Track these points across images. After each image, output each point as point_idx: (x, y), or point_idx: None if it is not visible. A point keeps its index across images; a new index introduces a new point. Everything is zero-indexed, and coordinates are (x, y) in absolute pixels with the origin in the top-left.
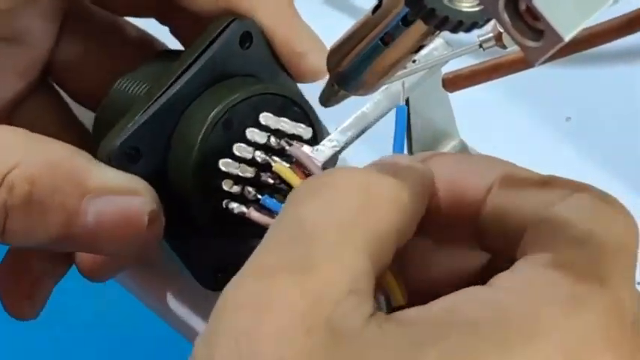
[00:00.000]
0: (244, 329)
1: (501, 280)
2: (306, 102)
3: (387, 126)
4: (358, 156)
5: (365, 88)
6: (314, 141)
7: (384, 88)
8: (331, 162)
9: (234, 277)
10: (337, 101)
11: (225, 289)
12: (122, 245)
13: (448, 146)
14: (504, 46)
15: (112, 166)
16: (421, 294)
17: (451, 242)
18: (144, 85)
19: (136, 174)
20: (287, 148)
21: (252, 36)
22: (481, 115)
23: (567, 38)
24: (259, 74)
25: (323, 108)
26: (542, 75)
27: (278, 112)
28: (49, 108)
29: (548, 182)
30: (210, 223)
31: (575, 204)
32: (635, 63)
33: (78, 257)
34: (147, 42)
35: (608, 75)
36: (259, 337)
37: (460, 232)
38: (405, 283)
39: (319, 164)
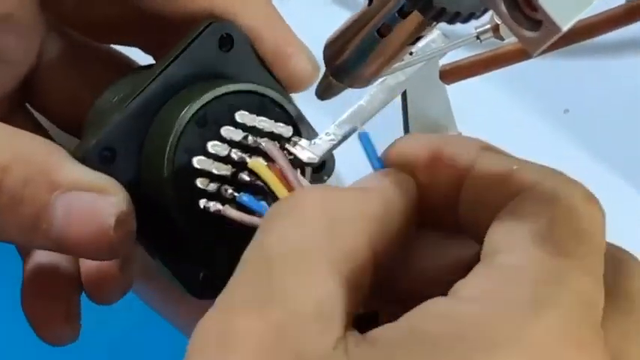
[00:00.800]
0: None
1: (461, 288)
2: (289, 102)
3: (385, 119)
4: (355, 149)
5: (362, 80)
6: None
7: (380, 80)
8: (330, 159)
9: (206, 313)
10: (334, 94)
11: (196, 326)
12: (90, 245)
13: None
14: (502, 38)
15: (87, 166)
16: (430, 284)
17: (449, 231)
18: (124, 93)
19: (111, 175)
20: (262, 144)
21: (232, 38)
22: (479, 107)
23: (565, 28)
24: (242, 78)
25: (320, 101)
26: (541, 67)
27: (256, 112)
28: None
29: (512, 174)
30: (189, 225)
31: (536, 197)
32: (634, 54)
33: (83, 276)
34: (127, 63)
35: (607, 67)
36: None
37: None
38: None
39: (291, 166)
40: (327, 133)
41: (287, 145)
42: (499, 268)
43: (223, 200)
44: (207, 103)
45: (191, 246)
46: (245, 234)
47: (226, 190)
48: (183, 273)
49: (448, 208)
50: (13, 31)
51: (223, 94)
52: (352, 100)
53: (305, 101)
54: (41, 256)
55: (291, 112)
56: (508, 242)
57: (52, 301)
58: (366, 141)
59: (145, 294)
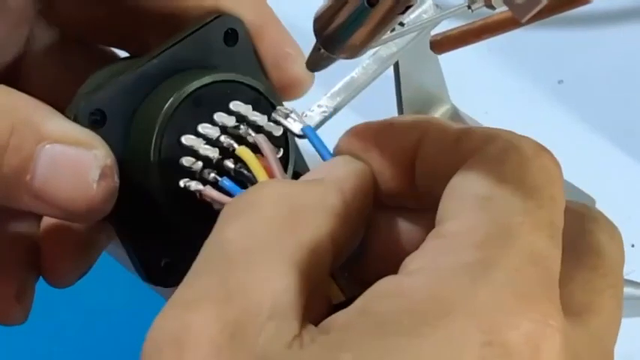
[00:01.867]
0: None
1: (409, 262)
2: (280, 102)
3: (377, 91)
4: (347, 121)
5: (352, 51)
6: (285, 144)
7: (372, 52)
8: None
9: (162, 309)
10: (324, 65)
11: (153, 322)
12: (71, 201)
13: (439, 111)
14: (493, 7)
15: None
16: (397, 265)
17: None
18: (121, 66)
19: None
20: (253, 135)
21: (237, 34)
22: (472, 79)
23: None
24: (240, 74)
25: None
26: (534, 38)
27: (250, 105)
28: None
29: (460, 140)
30: (166, 202)
31: (484, 160)
32: (627, 24)
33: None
34: (111, 56)
35: (600, 37)
36: None
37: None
38: (353, 274)
39: (279, 163)
40: (319, 105)
41: (278, 117)
42: (444, 236)
43: (205, 182)
44: (208, 84)
45: (161, 231)
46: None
47: (209, 174)
48: (145, 257)
49: (407, 187)
50: (3, 17)
51: (223, 81)
52: (344, 71)
53: None
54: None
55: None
56: (455, 209)
57: (5, 278)
58: (312, 134)
59: (121, 256)
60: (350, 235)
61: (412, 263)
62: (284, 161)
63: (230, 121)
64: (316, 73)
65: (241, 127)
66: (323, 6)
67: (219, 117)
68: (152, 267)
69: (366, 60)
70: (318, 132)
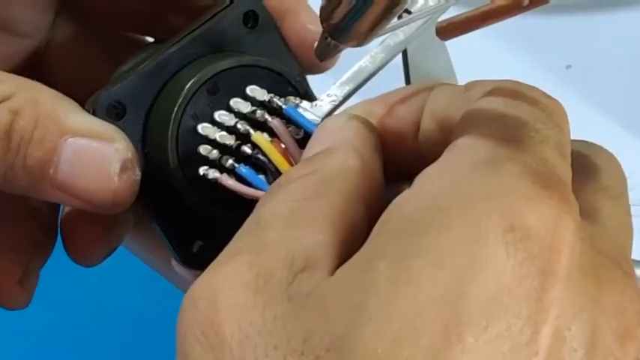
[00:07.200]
0: (205, 319)
1: (423, 174)
2: (303, 85)
3: (385, 79)
4: None
5: (358, 39)
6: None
7: (380, 40)
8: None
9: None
10: (332, 54)
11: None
12: (94, 193)
13: None
14: None
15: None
16: None
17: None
18: (142, 57)
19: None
20: (269, 120)
21: (257, 16)
22: (482, 64)
23: None
24: (262, 56)
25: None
26: (542, 24)
27: (269, 89)
28: None
29: (469, 86)
30: (187, 190)
31: (495, 95)
32: (635, 8)
33: (66, 238)
34: (139, 40)
35: (608, 21)
36: (220, 321)
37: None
38: None
39: (296, 144)
40: (328, 95)
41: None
42: (458, 146)
43: (223, 170)
44: (221, 72)
45: (189, 215)
46: (243, 209)
47: (227, 161)
48: (178, 241)
49: (412, 154)
50: (27, 3)
51: (238, 66)
52: (353, 60)
53: None
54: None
55: (302, 93)
56: (465, 128)
57: (9, 262)
58: (295, 113)
59: (135, 247)
60: (376, 190)
61: (427, 172)
62: (305, 140)
63: (246, 107)
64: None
65: (258, 111)
66: None
67: (235, 103)
68: (185, 249)
69: (374, 48)
70: None
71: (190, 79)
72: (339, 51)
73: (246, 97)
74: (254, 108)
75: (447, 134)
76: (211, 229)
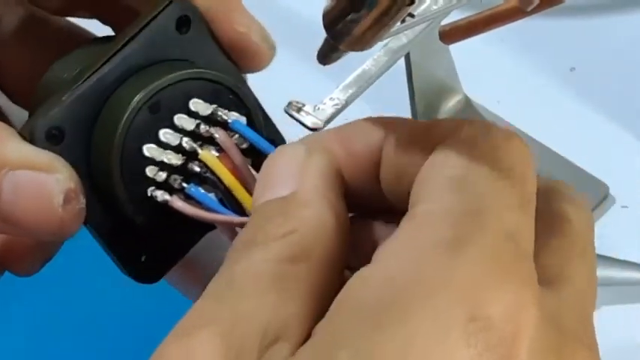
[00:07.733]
0: None
1: (383, 250)
2: (242, 88)
3: (388, 83)
4: (359, 114)
5: (361, 43)
6: (249, 115)
7: (383, 44)
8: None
9: (165, 338)
10: (335, 59)
11: (155, 350)
12: (37, 225)
13: (452, 101)
14: None
15: (34, 145)
16: None
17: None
18: (75, 69)
19: (60, 155)
20: (215, 134)
21: (190, 20)
22: (485, 67)
23: None
24: (199, 61)
25: (323, 67)
26: (546, 26)
27: (211, 99)
28: None
29: (430, 127)
30: (135, 211)
31: (453, 147)
32: (638, 11)
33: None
34: (87, 38)
35: (612, 24)
36: None
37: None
38: None
39: (243, 157)
40: (331, 98)
41: (291, 111)
42: (419, 216)
43: (172, 190)
44: (161, 89)
45: (135, 230)
46: (191, 221)
47: (175, 180)
48: (125, 255)
49: (375, 187)
50: None
51: (177, 82)
52: (356, 64)
53: (308, 66)
54: None
55: (245, 100)
56: (428, 191)
57: None
58: (241, 127)
59: None
60: (346, 247)
61: (385, 251)
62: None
63: (190, 123)
64: (328, 67)
65: (202, 126)
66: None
67: (179, 119)
68: (132, 263)
69: (377, 52)
70: (331, 125)
71: (131, 100)
72: (342, 55)
73: (189, 112)
74: (198, 122)
75: (407, 187)
76: (160, 240)
